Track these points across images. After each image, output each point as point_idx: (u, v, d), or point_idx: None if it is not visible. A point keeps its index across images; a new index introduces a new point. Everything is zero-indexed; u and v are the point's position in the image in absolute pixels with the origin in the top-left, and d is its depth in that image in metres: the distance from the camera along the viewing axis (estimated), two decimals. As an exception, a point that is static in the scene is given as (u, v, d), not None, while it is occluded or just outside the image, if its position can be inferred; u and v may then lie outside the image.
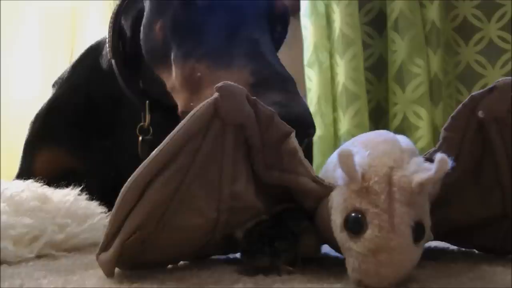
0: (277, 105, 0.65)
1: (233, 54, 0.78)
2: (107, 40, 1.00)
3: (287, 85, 0.73)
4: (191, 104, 0.79)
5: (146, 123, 0.95)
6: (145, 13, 0.91)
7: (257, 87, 0.71)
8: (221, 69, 0.77)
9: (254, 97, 0.53)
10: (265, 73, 0.74)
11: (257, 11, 0.85)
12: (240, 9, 0.84)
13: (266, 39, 0.84)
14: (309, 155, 1.29)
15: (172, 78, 0.84)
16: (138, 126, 0.95)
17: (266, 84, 0.72)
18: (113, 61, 0.98)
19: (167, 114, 0.87)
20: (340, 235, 0.48)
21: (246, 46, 0.79)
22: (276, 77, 0.74)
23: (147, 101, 0.95)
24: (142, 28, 0.91)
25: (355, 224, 0.46)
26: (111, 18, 1.01)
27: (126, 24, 0.98)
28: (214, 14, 0.83)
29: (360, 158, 0.48)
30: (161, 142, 0.50)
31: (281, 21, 0.92)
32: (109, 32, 1.00)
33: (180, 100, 0.83)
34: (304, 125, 0.67)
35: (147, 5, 0.91)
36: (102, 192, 0.80)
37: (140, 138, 0.94)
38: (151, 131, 0.94)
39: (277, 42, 0.93)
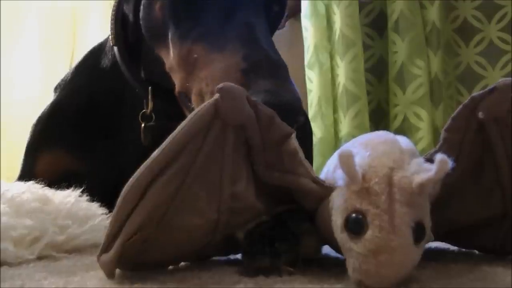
0: (267, 92, 0.66)
1: (228, 37, 0.79)
2: (110, 28, 1.00)
3: (278, 72, 0.73)
4: (187, 84, 0.80)
5: (149, 110, 0.94)
6: None
7: (248, 73, 0.71)
8: (215, 52, 0.78)
9: (255, 99, 0.53)
10: (257, 58, 0.74)
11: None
12: None
13: (261, 23, 0.84)
14: (309, 156, 1.30)
15: (170, 57, 0.85)
16: (141, 113, 0.94)
17: (257, 70, 0.72)
18: (115, 48, 0.98)
19: (168, 99, 0.88)
20: (341, 235, 0.48)
21: (241, 30, 0.79)
22: (268, 63, 0.74)
23: (150, 87, 0.94)
24: (142, 7, 0.91)
25: (356, 225, 0.46)
26: (113, 6, 1.01)
27: (128, 9, 0.98)
28: None
29: (360, 159, 0.48)
30: (163, 127, 0.50)
31: (278, 1, 0.92)
32: (111, 20, 1.00)
33: (177, 79, 0.83)
34: (293, 112, 0.67)
35: None
36: (104, 193, 0.80)
37: (143, 124, 0.94)
38: (154, 117, 0.94)
39: (274, 22, 0.93)
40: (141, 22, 0.92)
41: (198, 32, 0.81)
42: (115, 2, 1.01)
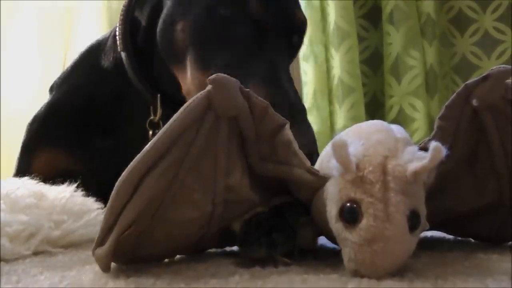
0: None
1: (250, 73, 0.78)
2: (117, 32, 0.98)
3: (296, 114, 0.73)
4: None
5: (157, 117, 0.93)
6: (166, 6, 0.90)
7: None
8: None
9: (248, 89, 0.53)
10: (277, 99, 0.73)
11: (278, 29, 0.84)
12: (262, 25, 0.83)
13: (284, 60, 0.83)
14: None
15: (188, 81, 0.84)
16: (148, 120, 0.93)
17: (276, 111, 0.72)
18: (123, 53, 0.96)
19: (176, 107, 0.86)
20: (336, 225, 0.48)
21: (264, 67, 0.79)
22: (288, 106, 0.74)
23: (159, 95, 0.93)
24: (161, 21, 0.90)
25: (350, 214, 0.46)
26: (122, 10, 0.99)
27: (141, 15, 0.97)
28: (236, 28, 0.83)
29: (354, 148, 0.48)
30: None
31: (298, 32, 0.91)
32: (119, 24, 0.98)
33: None
34: (308, 156, 0.68)
35: None
36: (101, 193, 0.79)
37: (150, 132, 0.93)
38: (161, 125, 0.92)
39: (293, 52, 0.93)
40: (158, 39, 0.91)
41: (220, 63, 0.80)
42: (123, 6, 0.99)
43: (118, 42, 0.98)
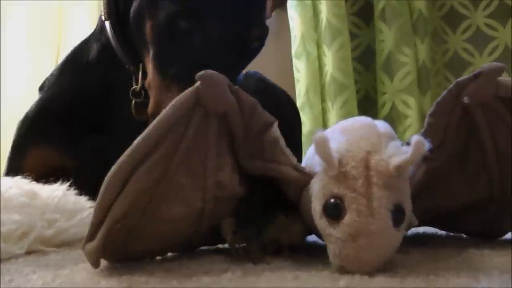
0: None
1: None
2: (102, 2, 1.00)
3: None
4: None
5: (139, 87, 0.95)
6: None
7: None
8: None
9: (236, 87, 0.52)
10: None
11: (232, 43, 0.86)
12: (216, 39, 0.85)
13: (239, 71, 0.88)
14: (298, 148, 1.31)
15: (149, 76, 0.87)
16: (131, 89, 0.95)
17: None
18: (107, 22, 0.98)
19: None
20: (320, 221, 0.48)
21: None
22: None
23: (141, 64, 0.94)
24: (133, 10, 0.91)
25: (334, 210, 0.46)
26: None
27: None
28: (192, 42, 0.84)
29: (337, 143, 0.48)
30: None
31: (259, 38, 0.92)
32: None
33: (151, 102, 0.87)
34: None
35: None
36: (94, 189, 0.79)
37: (134, 101, 0.95)
38: (143, 94, 0.94)
39: (253, 54, 0.95)
40: (131, 23, 0.92)
41: (177, 71, 0.83)
42: None
43: (103, 12, 0.99)
